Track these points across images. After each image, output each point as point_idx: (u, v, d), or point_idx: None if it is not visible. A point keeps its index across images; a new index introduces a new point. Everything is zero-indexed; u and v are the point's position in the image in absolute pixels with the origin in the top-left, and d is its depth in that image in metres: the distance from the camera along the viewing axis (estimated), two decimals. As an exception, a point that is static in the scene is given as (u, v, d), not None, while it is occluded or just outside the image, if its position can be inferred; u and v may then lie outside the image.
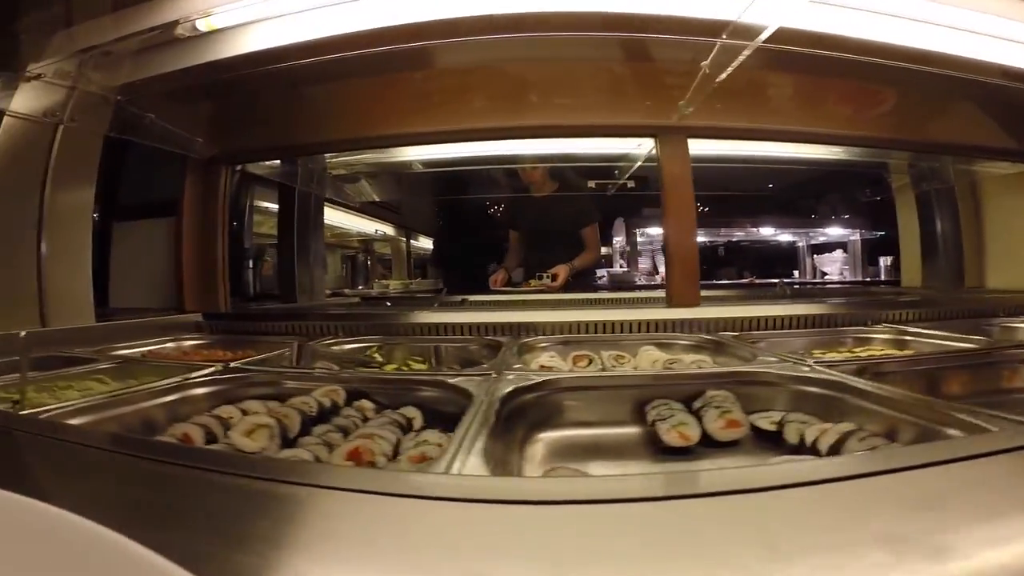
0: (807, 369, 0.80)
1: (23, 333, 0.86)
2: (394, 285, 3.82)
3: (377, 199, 3.31)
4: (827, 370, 0.79)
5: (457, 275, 4.71)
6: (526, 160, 2.24)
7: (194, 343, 1.39)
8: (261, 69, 1.34)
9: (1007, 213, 1.93)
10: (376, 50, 1.24)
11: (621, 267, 4.88)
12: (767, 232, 4.90)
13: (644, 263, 4.93)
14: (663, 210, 1.34)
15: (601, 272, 4.20)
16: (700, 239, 1.41)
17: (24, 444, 0.49)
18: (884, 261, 3.15)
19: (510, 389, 0.66)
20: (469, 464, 0.44)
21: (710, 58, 1.00)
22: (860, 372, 0.79)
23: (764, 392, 0.77)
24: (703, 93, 1.11)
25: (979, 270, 2.00)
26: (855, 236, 3.97)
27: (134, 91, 1.30)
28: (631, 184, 2.14)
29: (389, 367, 1.04)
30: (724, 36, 0.93)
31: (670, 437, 0.69)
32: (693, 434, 0.69)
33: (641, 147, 1.59)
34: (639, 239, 4.99)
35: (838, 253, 4.30)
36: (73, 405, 0.64)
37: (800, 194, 4.01)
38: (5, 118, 1.22)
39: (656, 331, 1.21)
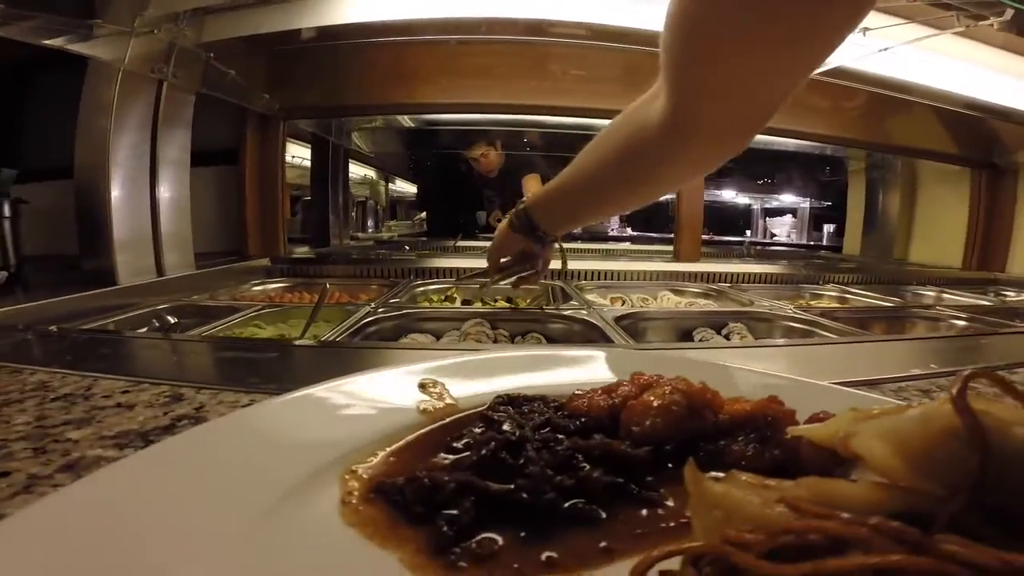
0: (791, 312, 1.19)
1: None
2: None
3: (367, 150, 3.44)
4: (804, 312, 1.17)
5: (441, 220, 4.91)
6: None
7: (278, 286, 1.55)
8: (330, 43, 1.51)
9: (934, 200, 2.38)
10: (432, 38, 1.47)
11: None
12: (728, 195, 5.36)
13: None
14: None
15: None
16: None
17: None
18: (828, 228, 3.65)
19: (617, 315, 1.01)
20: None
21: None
22: (823, 315, 1.18)
23: (764, 326, 1.16)
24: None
25: (906, 246, 2.46)
26: (805, 203, 4.49)
27: (221, 48, 1.39)
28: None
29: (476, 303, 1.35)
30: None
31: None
32: (726, 351, 1.07)
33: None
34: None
35: (788, 217, 4.83)
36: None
37: (762, 165, 4.42)
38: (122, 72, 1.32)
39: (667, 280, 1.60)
